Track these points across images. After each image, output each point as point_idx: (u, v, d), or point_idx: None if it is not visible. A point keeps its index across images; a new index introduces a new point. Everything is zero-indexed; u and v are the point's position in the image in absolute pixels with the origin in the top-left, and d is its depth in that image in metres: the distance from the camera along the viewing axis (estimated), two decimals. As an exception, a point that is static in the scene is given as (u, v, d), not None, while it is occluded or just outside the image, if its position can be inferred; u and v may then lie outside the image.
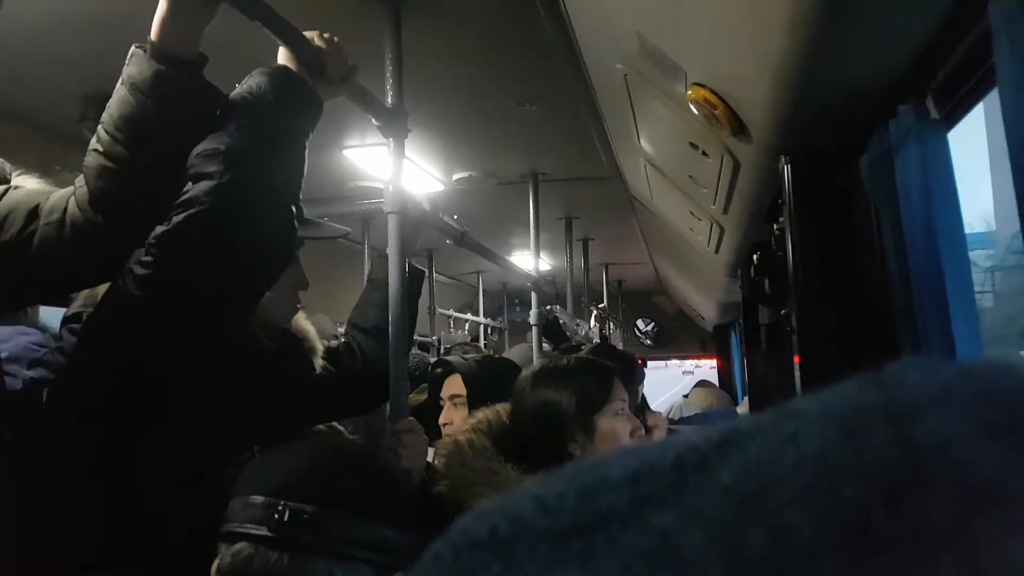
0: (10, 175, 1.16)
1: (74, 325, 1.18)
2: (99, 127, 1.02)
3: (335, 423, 1.65)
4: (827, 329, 1.50)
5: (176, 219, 1.00)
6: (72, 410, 1.07)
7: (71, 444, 1.05)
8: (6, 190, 1.06)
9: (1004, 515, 0.16)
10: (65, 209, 1.02)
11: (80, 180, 1.04)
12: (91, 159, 1.03)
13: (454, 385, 1.82)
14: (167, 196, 1.03)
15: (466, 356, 1.91)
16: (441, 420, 1.82)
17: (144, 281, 1.01)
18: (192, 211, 1.00)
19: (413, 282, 1.66)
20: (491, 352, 4.87)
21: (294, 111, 1.13)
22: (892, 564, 0.16)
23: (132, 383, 1.04)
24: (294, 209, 1.13)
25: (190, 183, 1.02)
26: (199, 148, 1.04)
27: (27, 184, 1.11)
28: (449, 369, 1.84)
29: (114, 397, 1.05)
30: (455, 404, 1.80)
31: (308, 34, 1.21)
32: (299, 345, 1.45)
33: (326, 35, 1.24)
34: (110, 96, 1.04)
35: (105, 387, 1.05)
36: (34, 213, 1.02)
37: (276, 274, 1.16)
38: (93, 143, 1.03)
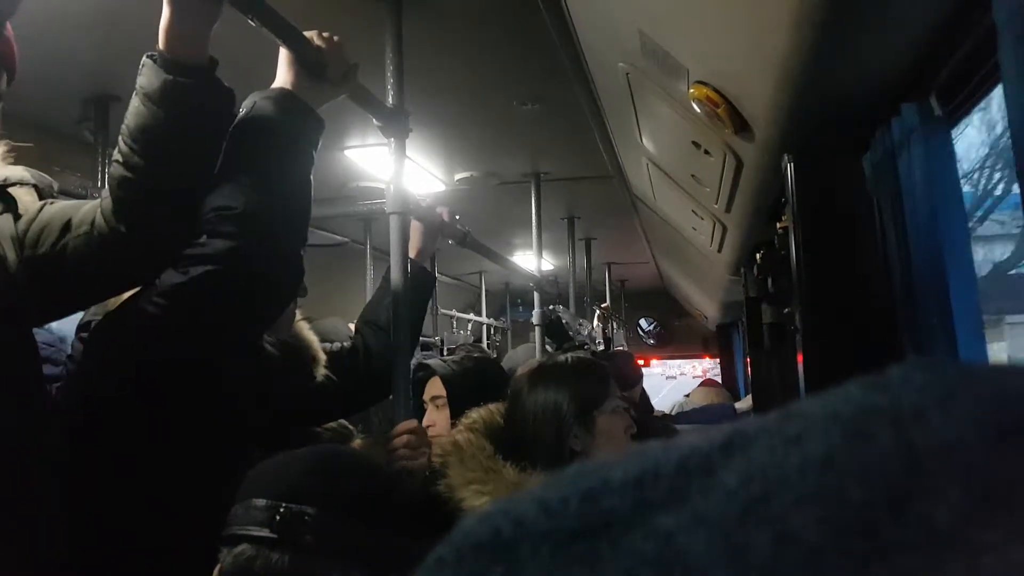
0: (55, 191, 1.20)
1: (84, 334, 1.21)
2: (119, 138, 1.04)
3: (345, 423, 1.68)
4: (830, 328, 1.50)
5: (193, 272, 1.05)
6: (78, 415, 1.10)
7: (77, 448, 1.07)
8: (43, 205, 1.09)
9: (1009, 519, 0.16)
10: (93, 221, 1.04)
11: (106, 191, 1.07)
12: (113, 169, 1.05)
13: (434, 387, 1.87)
14: (187, 204, 1.06)
15: (444, 359, 1.95)
16: (424, 422, 1.86)
17: (154, 321, 1.06)
18: (209, 268, 1.05)
19: (426, 285, 1.73)
20: (494, 353, 4.88)
21: (306, 147, 1.17)
22: (898, 568, 0.16)
23: (133, 394, 1.07)
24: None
25: (205, 236, 1.06)
26: (215, 202, 1.07)
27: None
28: (429, 372, 1.90)
29: (113, 406, 1.08)
30: (437, 405, 1.84)
31: (308, 34, 1.21)
32: (301, 355, 1.51)
33: (326, 34, 1.24)
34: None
35: (105, 398, 1.09)
36: (67, 226, 1.04)
37: (285, 306, 1.23)
38: (115, 154, 1.05)
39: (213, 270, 1.05)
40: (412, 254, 1.73)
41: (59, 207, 1.08)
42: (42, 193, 1.15)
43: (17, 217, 1.06)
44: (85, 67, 2.01)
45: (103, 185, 2.23)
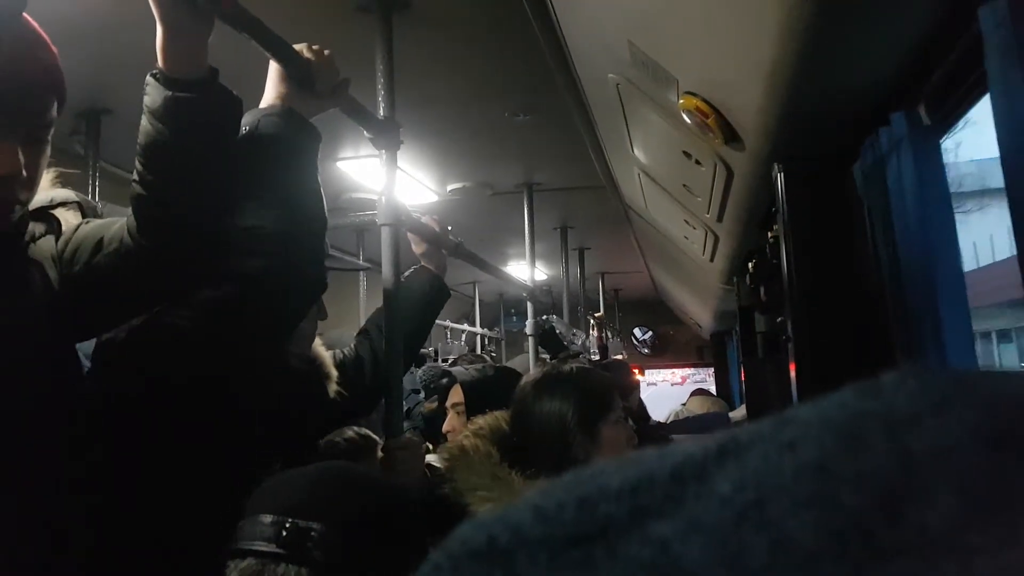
0: (100, 212, 1.23)
1: (105, 350, 1.22)
2: (135, 158, 1.06)
3: (370, 433, 1.72)
4: (822, 336, 1.50)
5: (227, 288, 1.10)
6: (99, 429, 1.11)
7: (102, 460, 1.08)
8: (79, 225, 1.12)
9: (1003, 523, 0.16)
10: (121, 239, 1.07)
11: (131, 209, 1.09)
12: (132, 188, 1.07)
13: (455, 394, 1.95)
14: (205, 215, 1.08)
15: (467, 367, 2.03)
16: (445, 428, 1.96)
17: (185, 334, 1.10)
18: (244, 284, 1.10)
19: (441, 298, 1.83)
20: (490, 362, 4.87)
21: (312, 160, 1.22)
22: (892, 572, 0.16)
23: (159, 407, 1.09)
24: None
25: (238, 255, 1.10)
26: (243, 222, 1.11)
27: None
28: (452, 380, 2.00)
29: (136, 420, 1.09)
30: (457, 412, 1.92)
31: (298, 47, 1.22)
32: (318, 371, 1.56)
33: (315, 47, 1.24)
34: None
35: (129, 412, 1.10)
36: (99, 244, 1.07)
37: (304, 315, 1.28)
38: (133, 173, 1.07)
39: (248, 286, 1.10)
40: (434, 269, 1.80)
41: (93, 226, 1.11)
42: (85, 212, 1.18)
43: (59, 237, 1.09)
44: (76, 80, 1.99)
45: (94, 199, 2.23)
